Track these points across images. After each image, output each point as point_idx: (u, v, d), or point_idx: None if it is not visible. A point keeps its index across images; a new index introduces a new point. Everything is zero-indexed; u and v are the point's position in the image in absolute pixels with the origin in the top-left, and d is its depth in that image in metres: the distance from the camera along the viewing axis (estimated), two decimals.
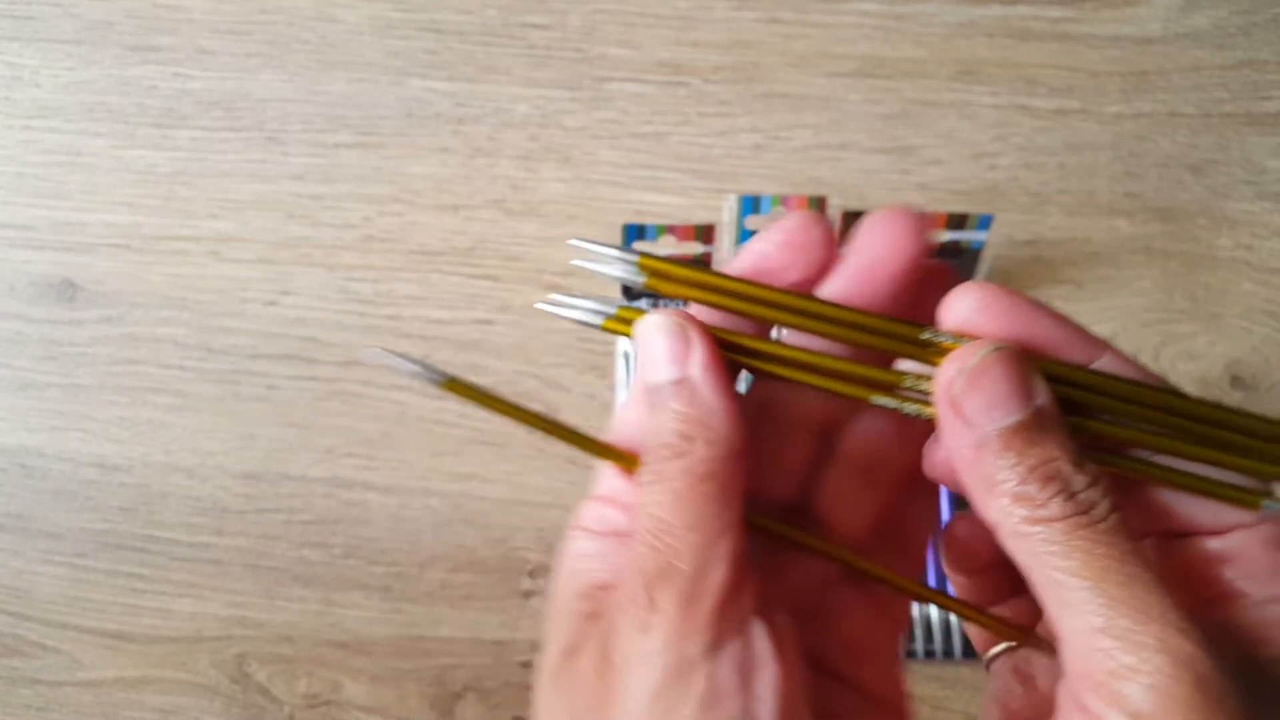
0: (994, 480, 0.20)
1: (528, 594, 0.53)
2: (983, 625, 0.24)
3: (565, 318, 0.23)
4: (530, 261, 0.57)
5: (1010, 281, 0.56)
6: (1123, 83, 0.58)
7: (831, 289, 0.23)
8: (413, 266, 0.58)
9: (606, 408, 0.55)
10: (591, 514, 0.24)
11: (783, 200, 0.49)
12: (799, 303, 0.22)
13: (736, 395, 0.22)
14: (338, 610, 0.54)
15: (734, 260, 0.23)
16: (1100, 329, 0.59)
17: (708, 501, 0.20)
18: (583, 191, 0.58)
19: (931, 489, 0.25)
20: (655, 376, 0.22)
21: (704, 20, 0.60)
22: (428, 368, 0.22)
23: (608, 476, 0.24)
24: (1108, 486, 0.20)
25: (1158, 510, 0.22)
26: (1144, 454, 0.21)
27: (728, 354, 0.22)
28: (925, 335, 0.21)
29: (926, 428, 0.22)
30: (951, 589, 0.27)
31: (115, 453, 0.57)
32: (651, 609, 0.20)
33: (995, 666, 0.25)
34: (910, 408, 0.22)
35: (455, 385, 0.22)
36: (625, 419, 0.24)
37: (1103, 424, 0.21)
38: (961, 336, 0.21)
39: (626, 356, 0.55)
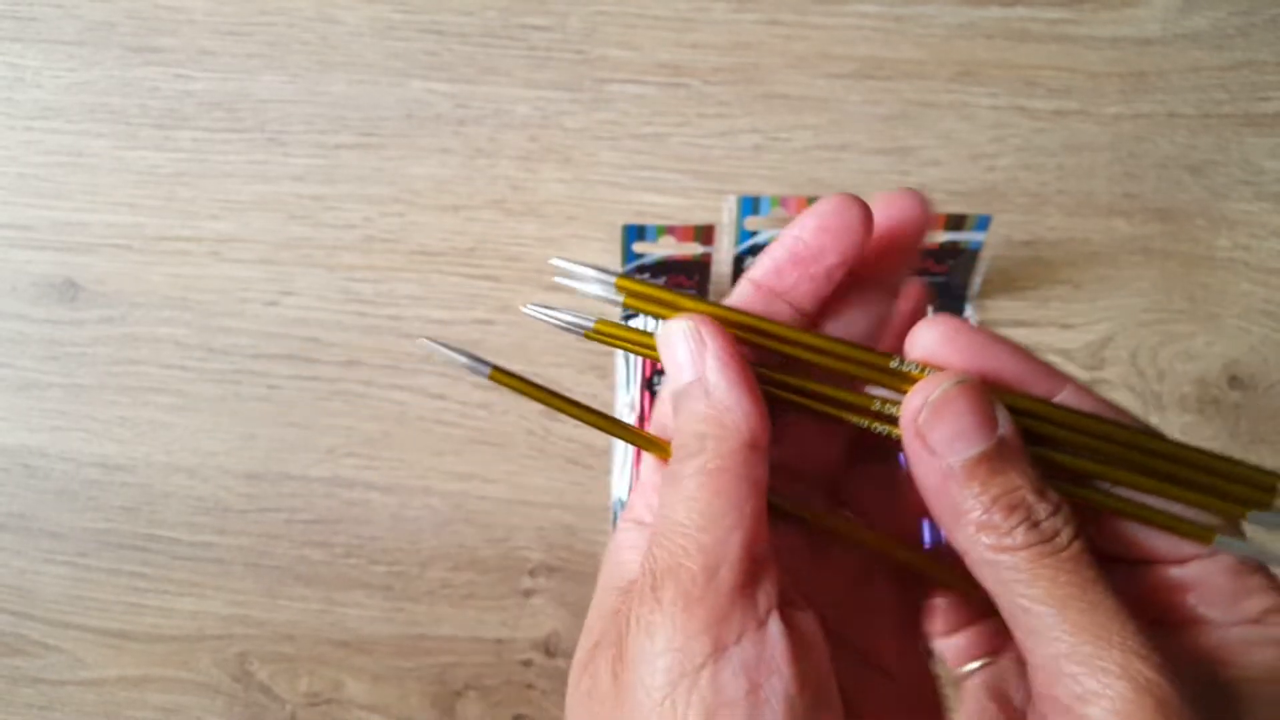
0: (960, 509, 0.20)
1: (528, 593, 0.54)
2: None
3: (548, 322, 0.23)
4: (530, 262, 0.57)
5: (1009, 282, 0.56)
6: (1121, 84, 0.58)
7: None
8: (413, 267, 0.58)
9: (607, 408, 0.55)
10: (640, 503, 0.23)
11: (782, 201, 0.49)
12: (770, 327, 0.22)
13: (757, 388, 0.22)
14: (339, 609, 0.54)
15: (767, 250, 0.23)
16: (1099, 329, 0.59)
17: (717, 497, 0.20)
18: (583, 192, 0.58)
19: None
20: (679, 380, 0.22)
21: (704, 22, 0.60)
22: (476, 358, 0.22)
23: (655, 466, 0.24)
24: (1070, 514, 0.20)
25: (1121, 538, 0.22)
26: (1105, 485, 0.22)
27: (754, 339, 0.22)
28: (894, 364, 0.22)
29: None
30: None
31: (117, 452, 0.57)
32: (657, 609, 0.19)
33: (968, 685, 0.25)
34: (880, 428, 0.22)
35: (501, 375, 0.23)
36: (660, 416, 0.23)
37: (1064, 455, 0.21)
38: (927, 366, 0.21)
39: (626, 357, 0.55)
